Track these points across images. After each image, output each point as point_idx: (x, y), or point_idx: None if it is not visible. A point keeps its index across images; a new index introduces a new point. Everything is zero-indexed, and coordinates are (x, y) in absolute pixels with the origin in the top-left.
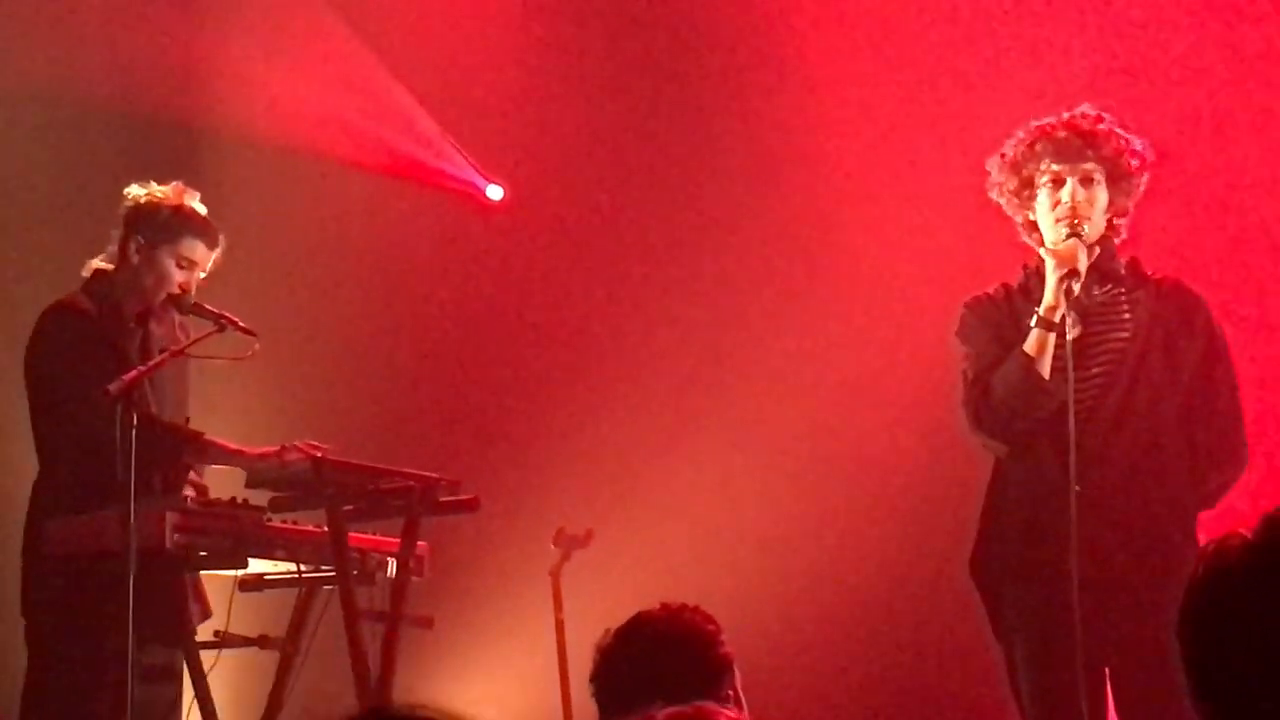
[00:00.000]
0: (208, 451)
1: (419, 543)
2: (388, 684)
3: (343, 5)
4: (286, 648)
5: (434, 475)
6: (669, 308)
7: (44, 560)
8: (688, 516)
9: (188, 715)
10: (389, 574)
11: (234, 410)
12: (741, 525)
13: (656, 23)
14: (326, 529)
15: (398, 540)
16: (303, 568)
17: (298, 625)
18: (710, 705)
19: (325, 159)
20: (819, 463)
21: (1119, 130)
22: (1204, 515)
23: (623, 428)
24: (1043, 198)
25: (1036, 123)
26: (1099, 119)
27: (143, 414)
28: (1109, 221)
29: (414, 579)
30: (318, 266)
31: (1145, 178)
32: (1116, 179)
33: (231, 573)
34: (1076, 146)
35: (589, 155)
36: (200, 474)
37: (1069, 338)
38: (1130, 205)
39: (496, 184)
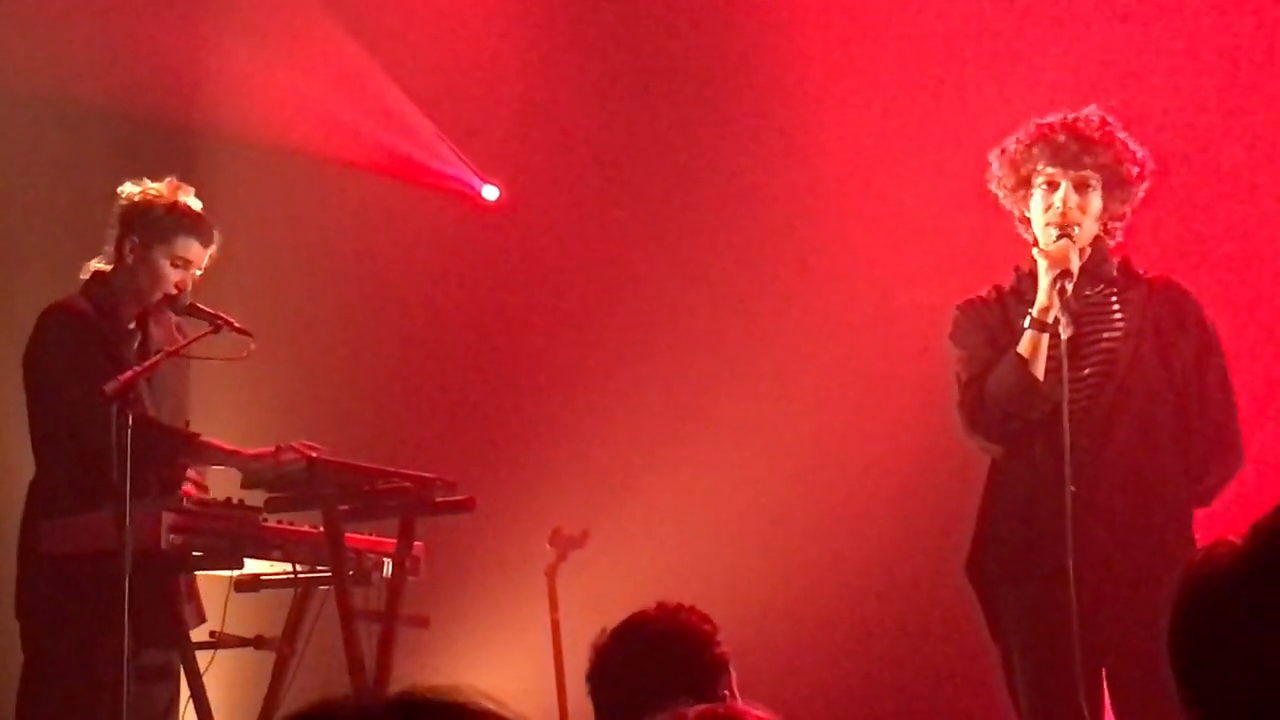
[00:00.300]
0: (203, 452)
1: (415, 543)
2: (384, 684)
3: (339, 6)
4: (282, 648)
5: (430, 475)
6: (665, 307)
7: (39, 561)
8: (683, 517)
9: (184, 716)
10: (385, 574)
11: (230, 410)
12: (737, 526)
13: (653, 22)
14: (322, 529)
15: (394, 540)
16: (299, 568)
17: (294, 625)
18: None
19: (321, 159)
20: (815, 464)
21: (1122, 136)
22: (1200, 513)
23: (618, 428)
24: (1036, 199)
25: (1039, 121)
26: (1103, 124)
27: (138, 415)
28: (1103, 225)
29: (410, 579)
30: (313, 267)
31: (1145, 185)
32: (1113, 186)
33: (227, 573)
34: (1073, 152)
35: (585, 156)
36: (201, 473)
37: (1062, 338)
38: (1127, 211)
39: (492, 184)
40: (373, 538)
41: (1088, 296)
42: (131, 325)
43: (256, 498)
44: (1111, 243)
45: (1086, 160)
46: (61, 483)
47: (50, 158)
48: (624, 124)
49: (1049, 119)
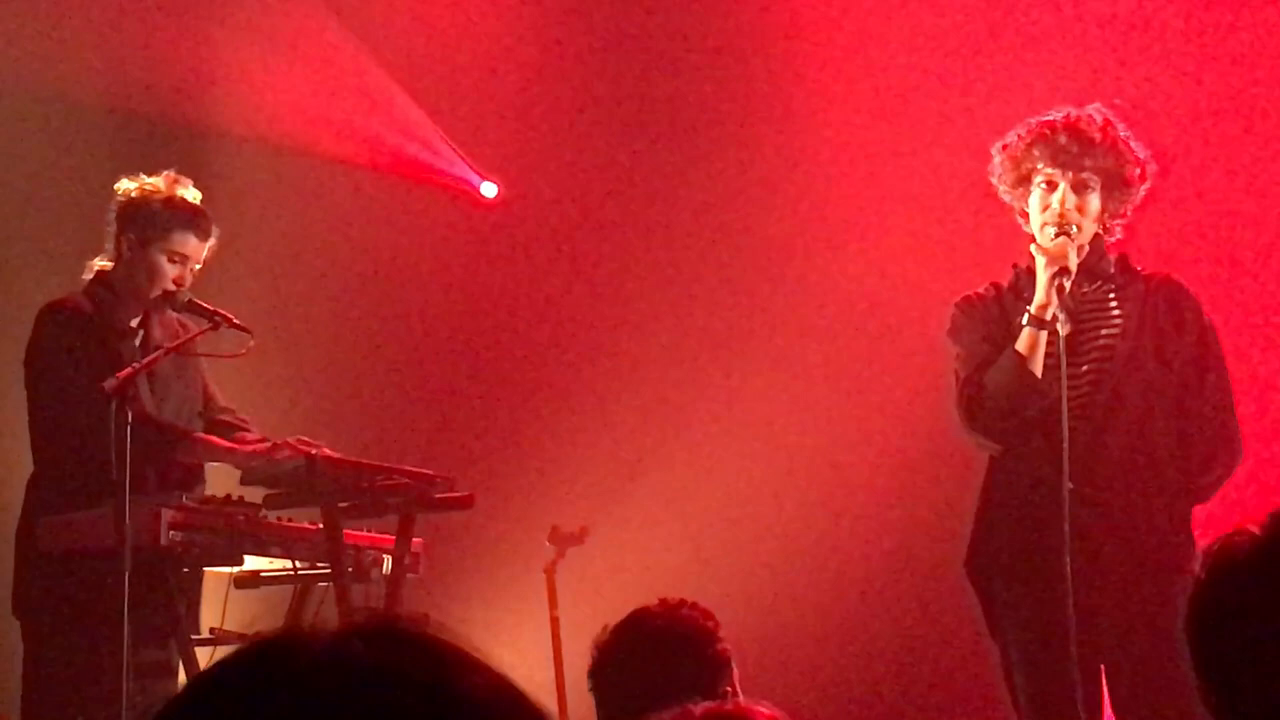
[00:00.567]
0: (198, 448)
1: (414, 540)
2: None
3: (338, 4)
4: None
5: (429, 472)
6: (664, 304)
7: (39, 558)
8: (682, 514)
9: None
10: (384, 571)
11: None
12: (737, 522)
13: (652, 20)
14: (322, 526)
15: (393, 537)
16: (298, 565)
17: (293, 622)
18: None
19: (320, 156)
20: (814, 460)
21: (1125, 136)
22: (1198, 510)
23: (617, 425)
24: (1035, 198)
25: (1041, 118)
26: (1106, 125)
27: (136, 411)
28: (1102, 224)
29: (409, 576)
30: (312, 263)
31: (1146, 186)
32: (1112, 188)
33: (227, 570)
34: (1073, 154)
35: (583, 152)
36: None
37: (1061, 335)
38: (1127, 211)
39: (491, 181)
40: (372, 535)
41: (1085, 294)
42: (134, 323)
43: (256, 495)
44: (1110, 240)
45: (1087, 162)
46: (60, 480)
47: (52, 156)
48: (623, 121)
49: (1051, 116)
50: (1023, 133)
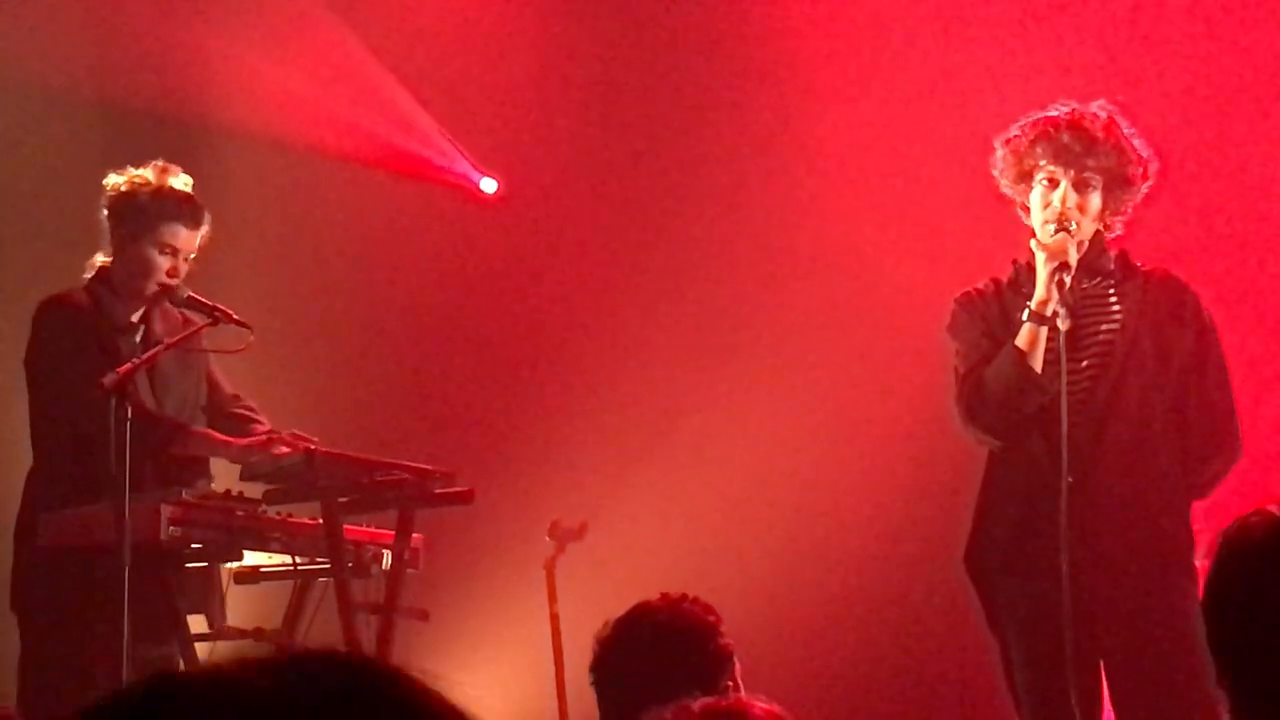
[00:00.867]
0: (194, 441)
1: (414, 535)
2: None
3: None
4: (282, 640)
5: (428, 467)
6: (663, 299)
7: (37, 553)
8: (682, 508)
9: None
10: (384, 566)
11: None
12: (737, 517)
13: (651, 16)
14: (321, 521)
15: (392, 532)
16: (298, 560)
17: (293, 618)
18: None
19: (319, 152)
20: (814, 455)
21: (1129, 134)
22: (1198, 504)
23: (617, 420)
24: (1036, 195)
25: (1045, 113)
26: (1110, 123)
27: (135, 406)
28: (1103, 222)
29: (409, 571)
30: (311, 259)
31: (1148, 185)
32: (1114, 187)
33: (227, 565)
34: (1075, 152)
35: (583, 148)
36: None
37: (1061, 330)
38: (1128, 209)
39: (490, 177)
40: (372, 530)
41: (1085, 289)
42: (135, 318)
43: (255, 490)
44: (1110, 236)
45: (1089, 161)
46: (59, 475)
47: (50, 151)
48: (622, 117)
49: (1054, 112)
50: (1026, 128)
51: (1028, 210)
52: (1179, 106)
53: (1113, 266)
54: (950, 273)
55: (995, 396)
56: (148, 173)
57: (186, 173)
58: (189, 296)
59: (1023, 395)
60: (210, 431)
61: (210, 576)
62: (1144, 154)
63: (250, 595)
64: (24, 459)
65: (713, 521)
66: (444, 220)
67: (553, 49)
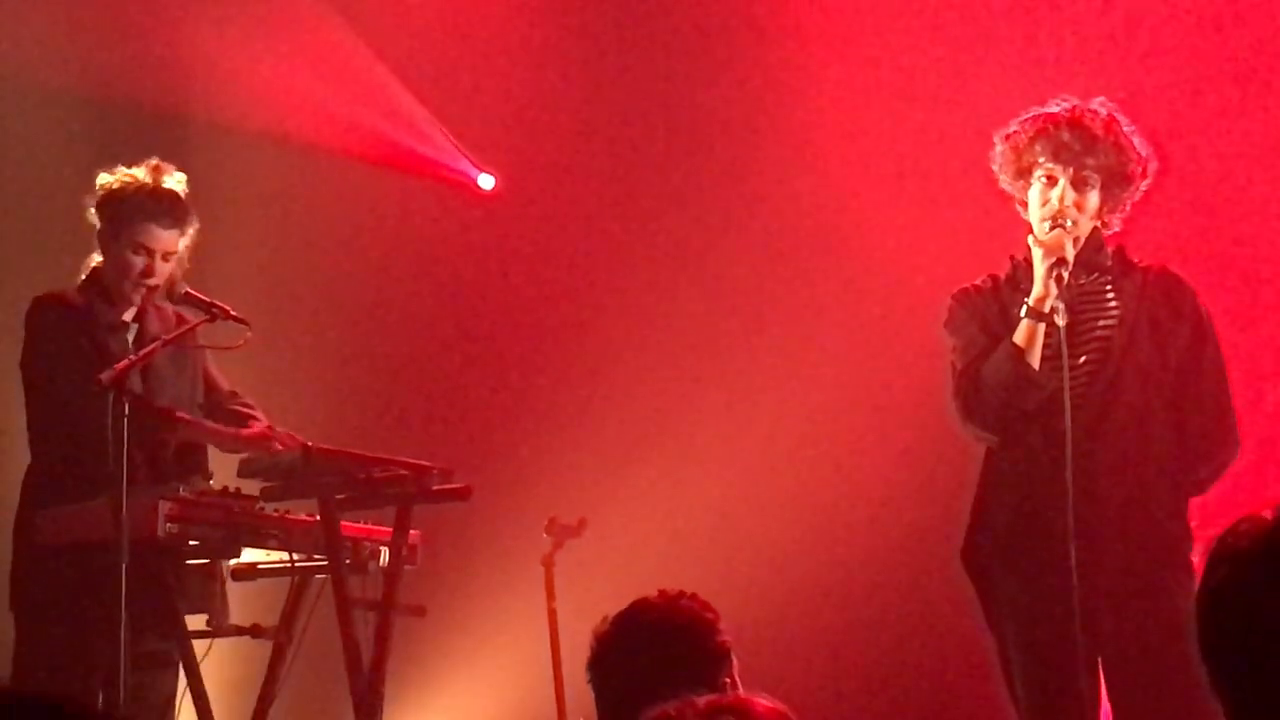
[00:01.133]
0: (184, 429)
1: (412, 531)
2: (380, 673)
3: None
4: (279, 637)
5: (426, 464)
6: (662, 297)
7: (35, 551)
8: (680, 505)
9: (180, 705)
10: (382, 563)
11: None
12: (735, 514)
13: (651, 12)
14: (319, 518)
15: (390, 529)
16: (295, 557)
17: (290, 615)
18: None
19: (316, 148)
20: (812, 451)
21: (1128, 131)
22: (1195, 501)
23: (615, 416)
24: (1034, 192)
25: (1045, 110)
26: (1110, 121)
27: (132, 403)
28: (1101, 219)
29: (407, 568)
30: (308, 256)
31: (1147, 183)
32: (1112, 185)
33: (225, 562)
34: (1075, 151)
35: (581, 144)
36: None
37: (1059, 326)
38: (1127, 206)
39: (488, 173)
40: (370, 527)
41: (1082, 285)
42: (128, 317)
43: (253, 487)
44: (1109, 232)
45: (1089, 160)
46: (56, 472)
47: (45, 148)
48: (622, 113)
49: (1054, 108)
50: (1026, 124)
51: (1026, 206)
52: (1179, 104)
53: (1110, 263)
54: (948, 270)
55: (993, 393)
56: (138, 171)
57: (184, 170)
58: (186, 293)
59: (1020, 392)
60: (202, 420)
61: (211, 575)
62: (1143, 152)
63: (247, 592)
64: (22, 457)
65: (711, 518)
66: (442, 216)
67: (551, 44)
